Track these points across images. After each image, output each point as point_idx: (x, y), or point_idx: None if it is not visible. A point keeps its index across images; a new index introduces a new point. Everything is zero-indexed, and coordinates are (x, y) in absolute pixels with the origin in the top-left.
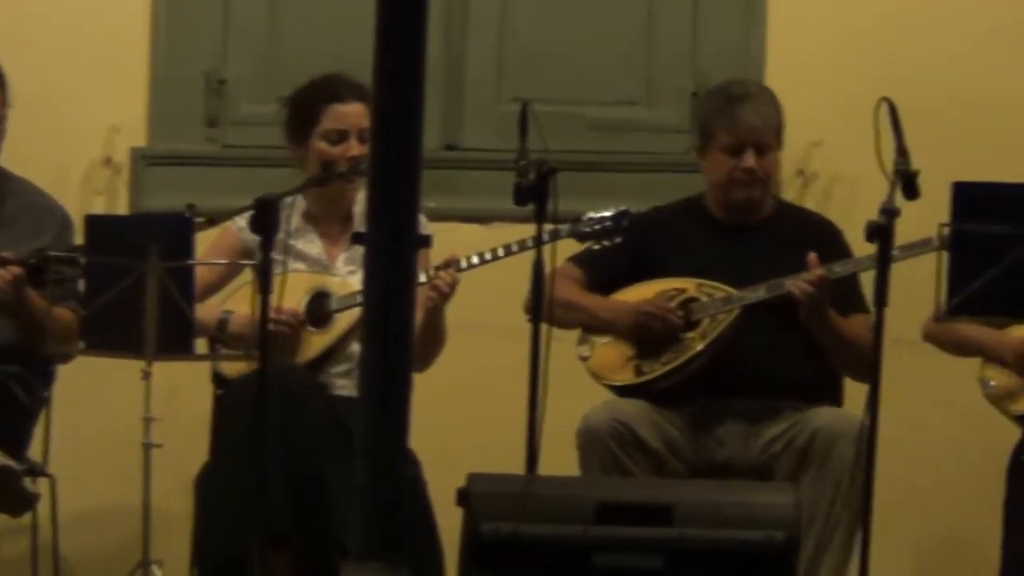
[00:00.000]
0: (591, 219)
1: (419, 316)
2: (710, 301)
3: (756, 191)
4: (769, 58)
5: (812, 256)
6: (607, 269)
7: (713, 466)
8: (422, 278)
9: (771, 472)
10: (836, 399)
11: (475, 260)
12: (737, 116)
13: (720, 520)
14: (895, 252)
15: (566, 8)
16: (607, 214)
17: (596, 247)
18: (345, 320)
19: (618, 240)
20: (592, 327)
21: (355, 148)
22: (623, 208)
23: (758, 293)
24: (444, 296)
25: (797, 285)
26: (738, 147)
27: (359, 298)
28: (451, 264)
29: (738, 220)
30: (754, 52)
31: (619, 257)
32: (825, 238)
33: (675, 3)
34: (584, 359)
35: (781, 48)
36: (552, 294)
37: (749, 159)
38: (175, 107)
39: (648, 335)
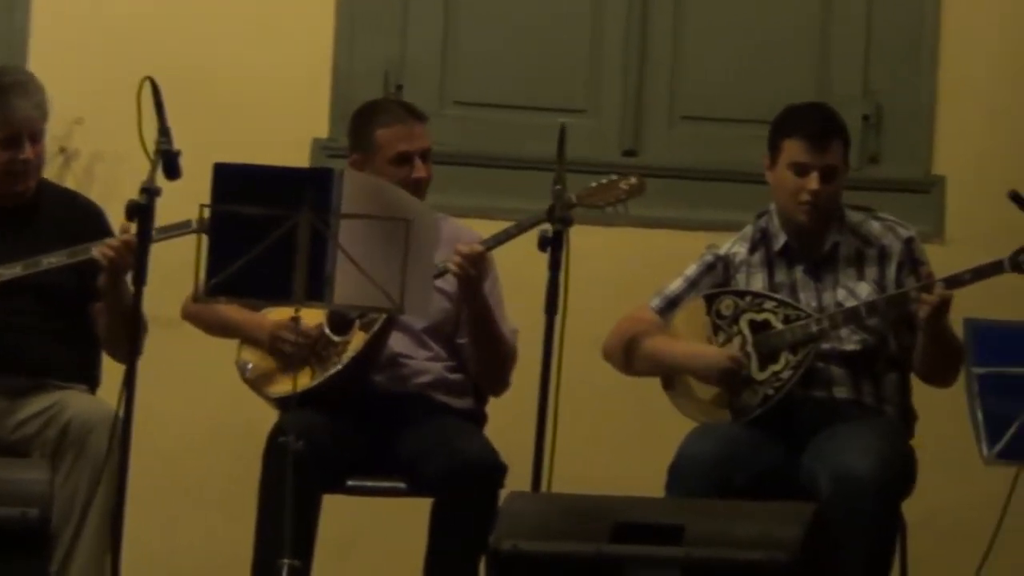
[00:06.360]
0: None
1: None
2: None
3: (32, 181)
4: (33, 34)
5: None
6: None
7: None
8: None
9: (27, 451)
10: (93, 381)
11: None
12: (13, 107)
13: None
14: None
15: None
16: None
17: None
18: None
19: None
20: None
21: None
22: None
23: (15, 270)
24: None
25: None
26: (14, 139)
27: None
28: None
29: (1, 203)
30: (17, 27)
31: None
32: (87, 219)
33: None
34: None
35: (44, 25)
36: None
37: (27, 151)
38: None
39: None
